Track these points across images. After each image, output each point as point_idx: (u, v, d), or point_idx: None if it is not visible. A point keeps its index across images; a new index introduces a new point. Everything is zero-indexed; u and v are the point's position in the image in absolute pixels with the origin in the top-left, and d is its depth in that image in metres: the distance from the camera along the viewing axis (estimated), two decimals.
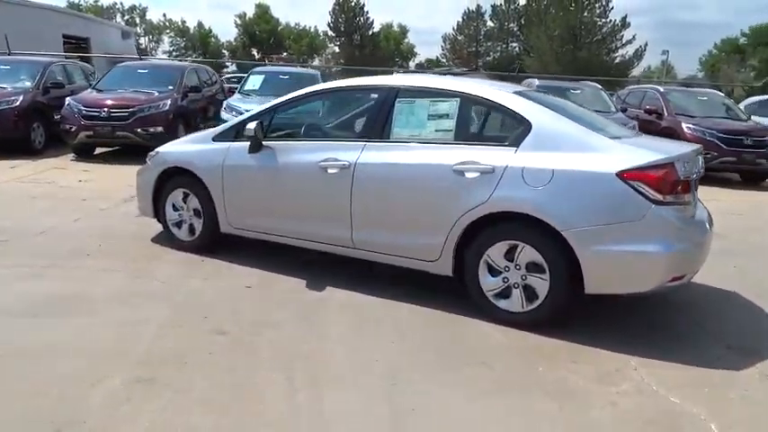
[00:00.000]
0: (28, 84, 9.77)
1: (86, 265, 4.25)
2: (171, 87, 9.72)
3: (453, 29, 49.20)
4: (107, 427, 2.36)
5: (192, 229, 4.62)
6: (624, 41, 36.75)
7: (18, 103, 9.12)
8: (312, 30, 61.90)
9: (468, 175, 3.45)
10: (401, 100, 3.83)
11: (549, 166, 3.29)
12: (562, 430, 2.50)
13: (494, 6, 46.57)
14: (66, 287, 3.80)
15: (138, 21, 61.37)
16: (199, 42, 60.95)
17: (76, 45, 24.47)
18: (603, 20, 36.35)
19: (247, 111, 8.53)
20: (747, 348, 3.32)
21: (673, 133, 9.38)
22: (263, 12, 59.67)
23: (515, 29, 46.02)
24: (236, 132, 4.33)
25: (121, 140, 9.03)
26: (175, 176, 4.61)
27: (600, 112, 7.48)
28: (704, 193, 4.09)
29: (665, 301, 3.88)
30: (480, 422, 2.53)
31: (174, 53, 59.11)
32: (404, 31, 61.86)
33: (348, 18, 48.55)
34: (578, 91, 11.03)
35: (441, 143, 3.66)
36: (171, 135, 8.62)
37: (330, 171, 3.85)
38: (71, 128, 8.86)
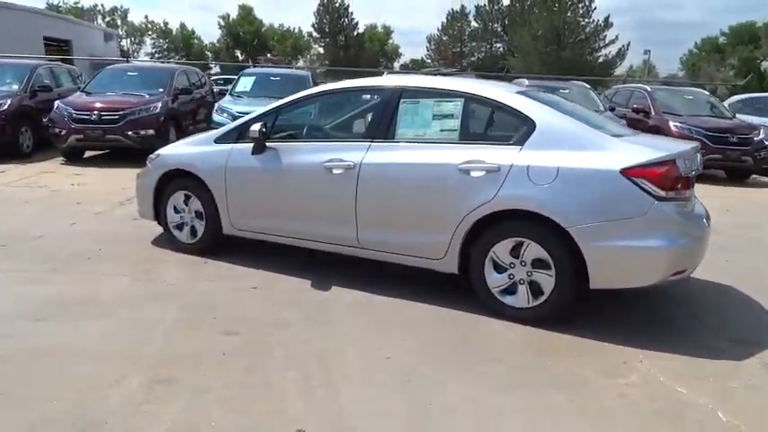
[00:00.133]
0: (15, 87, 9.66)
1: (89, 268, 4.23)
2: (161, 90, 9.67)
3: (438, 29, 49.40)
4: (129, 427, 2.36)
5: (193, 232, 4.61)
6: (607, 41, 37.30)
7: (5, 107, 9.01)
8: (296, 31, 61.80)
9: (474, 173, 3.50)
10: (405, 100, 3.87)
11: (553, 165, 3.35)
12: (576, 420, 2.56)
13: (477, 7, 46.86)
14: (72, 291, 3.79)
15: (119, 22, 60.49)
16: (182, 44, 60.38)
17: (58, 47, 24.05)
18: (587, 20, 36.85)
19: (239, 113, 8.69)
20: (748, 341, 3.41)
21: (660, 131, 9.53)
22: (246, 13, 59.27)
23: (499, 29, 46.23)
24: (239, 134, 4.33)
25: (112, 143, 8.97)
26: (177, 179, 4.61)
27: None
28: None
29: (666, 297, 3.97)
30: (497, 414, 2.58)
31: (156, 55, 58.50)
32: (388, 31, 61.88)
33: (333, 19, 48.48)
34: (567, 90, 11.11)
35: (446, 143, 3.71)
36: (162, 138, 8.65)
37: (335, 171, 3.88)
38: (61, 131, 8.77)
